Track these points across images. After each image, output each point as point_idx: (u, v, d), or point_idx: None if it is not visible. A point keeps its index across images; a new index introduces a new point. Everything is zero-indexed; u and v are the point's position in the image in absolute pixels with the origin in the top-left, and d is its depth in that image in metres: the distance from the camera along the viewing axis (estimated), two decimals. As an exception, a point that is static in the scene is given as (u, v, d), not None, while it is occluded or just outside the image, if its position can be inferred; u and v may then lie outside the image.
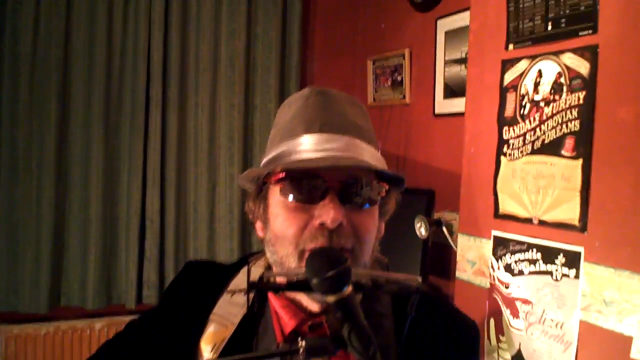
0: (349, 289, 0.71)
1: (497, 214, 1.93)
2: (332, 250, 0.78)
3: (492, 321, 1.94)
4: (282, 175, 0.87)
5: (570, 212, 1.66)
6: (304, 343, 0.71)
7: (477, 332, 1.03)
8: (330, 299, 0.70)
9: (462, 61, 2.57)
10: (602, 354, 1.57)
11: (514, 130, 1.86)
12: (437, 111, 2.77)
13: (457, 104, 2.57)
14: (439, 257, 2.56)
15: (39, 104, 2.76)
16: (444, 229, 2.35)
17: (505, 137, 1.89)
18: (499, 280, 1.91)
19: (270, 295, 0.96)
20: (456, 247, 2.23)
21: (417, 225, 2.28)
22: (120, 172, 2.94)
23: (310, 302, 0.92)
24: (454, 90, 2.65)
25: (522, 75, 1.83)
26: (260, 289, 0.85)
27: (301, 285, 0.80)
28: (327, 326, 0.91)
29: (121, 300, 2.98)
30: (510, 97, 1.87)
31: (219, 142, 3.09)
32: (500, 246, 1.90)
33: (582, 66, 1.63)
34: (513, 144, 1.86)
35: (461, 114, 2.45)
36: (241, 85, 3.10)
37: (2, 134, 2.71)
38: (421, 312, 0.93)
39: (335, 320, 0.90)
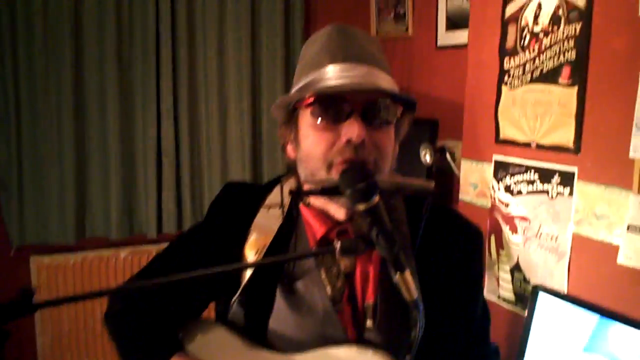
0: (376, 198, 0.86)
1: (497, 140, 2.07)
2: (362, 166, 0.93)
3: (492, 237, 2.13)
4: (312, 99, 1.00)
5: (566, 136, 1.81)
6: (339, 244, 0.87)
7: (481, 236, 1.19)
8: (361, 207, 0.86)
9: (464, -7, 2.65)
10: (592, 262, 1.76)
11: (514, 60, 1.98)
12: (439, 43, 2.86)
13: (459, 36, 2.67)
14: (442, 182, 2.72)
15: (54, 42, 2.83)
16: (448, 155, 2.50)
17: (506, 67, 2.01)
18: (499, 200, 2.08)
19: (302, 208, 1.12)
20: (459, 172, 2.39)
21: (422, 153, 2.43)
22: (135, 108, 3.05)
23: (337, 211, 1.07)
24: (456, 22, 2.73)
25: (522, 8, 1.93)
26: (297, 196, 1.01)
27: (332, 190, 0.95)
28: (351, 232, 1.07)
29: (142, 230, 3.16)
30: (511, 29, 1.98)
31: (228, 77, 3.18)
32: (501, 169, 2.06)
33: (580, -2, 1.74)
34: (513, 74, 1.99)
35: (463, 46, 2.55)
36: (247, 20, 3.16)
37: (20, 76, 2.80)
38: (432, 218, 1.10)
39: (360, 227, 1.06)
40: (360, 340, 1.04)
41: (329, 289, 1.05)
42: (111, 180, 3.03)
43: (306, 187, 1.09)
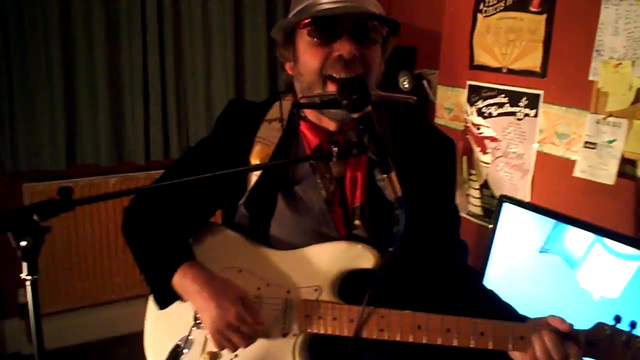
0: (369, 108, 1.00)
1: (472, 66, 2.21)
2: (357, 79, 1.06)
3: (464, 159, 2.29)
4: (308, 20, 1.12)
5: (534, 61, 1.95)
6: (336, 149, 1.01)
7: (454, 146, 1.33)
8: (355, 115, 1.00)
9: None
10: (552, 176, 1.94)
11: (489, -11, 2.08)
12: (418, -28, 2.92)
13: (438, -35, 2.74)
14: (419, 108, 2.86)
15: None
16: (425, 82, 2.62)
17: (481, -5, 2.12)
18: (472, 123, 2.23)
19: (299, 121, 1.25)
20: (434, 98, 2.53)
21: (401, 80, 2.54)
22: (121, 38, 3.09)
23: (329, 123, 1.21)
24: (435, -49, 2.79)
25: (498, -63, 2.02)
26: (297, 108, 1.14)
27: (328, 103, 1.09)
28: (342, 141, 1.21)
29: (131, 157, 3.26)
30: (487, -42, 2.08)
31: (211, 6, 3.22)
32: (474, 94, 2.21)
33: None
34: (488, 2, 2.10)
35: (442, -25, 2.63)
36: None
37: (7, 6, 2.81)
38: (411, 129, 1.25)
39: (349, 137, 1.20)
40: (350, 237, 1.20)
41: (323, 192, 1.20)
42: (100, 108, 3.10)
43: (303, 101, 1.19)
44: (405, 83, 2.55)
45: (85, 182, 3.20)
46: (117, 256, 3.19)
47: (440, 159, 1.28)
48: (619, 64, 1.68)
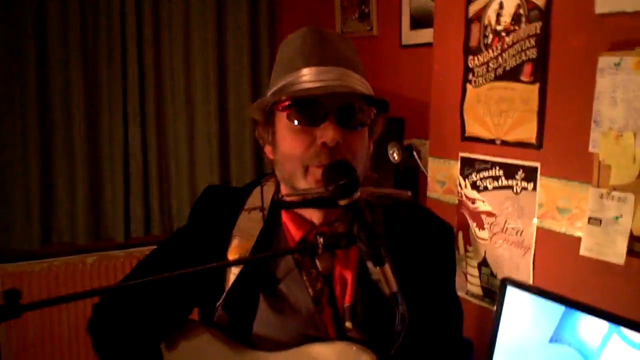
0: (357, 194, 0.88)
1: (463, 137, 2.11)
2: (345, 163, 0.94)
3: (460, 234, 2.17)
4: (287, 102, 1.01)
5: (528, 132, 1.86)
6: (321, 239, 0.88)
7: (452, 234, 1.23)
8: (343, 202, 0.88)
9: (427, -8, 2.68)
10: (555, 255, 1.81)
11: (478, 59, 2.02)
12: (403, 42, 2.89)
13: (423, 35, 2.70)
14: (409, 179, 2.76)
15: (16, 41, 2.78)
16: (415, 153, 2.53)
17: (470, 65, 2.05)
18: (466, 196, 2.12)
19: (282, 211, 1.13)
20: (426, 170, 2.43)
21: (391, 152, 2.45)
22: (101, 109, 3.01)
23: (313, 215, 1.09)
24: (419, 21, 2.77)
25: (485, 7, 1.98)
26: (278, 207, 1.02)
27: (313, 202, 0.97)
28: (329, 233, 1.09)
29: (110, 234, 3.12)
30: (475, 28, 2.02)
31: (195, 79, 3.17)
32: (467, 166, 2.10)
33: (539, -2, 1.78)
34: (477, 72, 2.03)
35: (427, 45, 2.59)
36: (213, 19, 3.15)
37: (-20, 79, 2.74)
38: (405, 216, 1.13)
39: (336, 229, 1.08)
40: (341, 339, 1.06)
41: (310, 290, 1.06)
42: (78, 183, 2.98)
43: (284, 191, 1.11)
44: (394, 155, 2.46)
45: (61, 262, 3.04)
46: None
47: (438, 248, 1.16)
48: (620, 135, 1.59)
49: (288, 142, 1.03)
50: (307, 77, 1.01)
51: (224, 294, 1.09)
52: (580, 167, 1.70)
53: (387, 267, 0.86)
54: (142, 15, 3.00)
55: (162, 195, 3.18)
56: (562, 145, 1.77)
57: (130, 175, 3.09)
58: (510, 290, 1.66)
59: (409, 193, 1.02)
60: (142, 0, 3.00)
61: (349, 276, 1.09)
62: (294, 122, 1.02)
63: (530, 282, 1.86)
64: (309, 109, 1.00)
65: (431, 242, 1.15)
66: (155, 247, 1.24)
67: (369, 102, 1.06)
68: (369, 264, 1.01)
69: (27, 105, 2.83)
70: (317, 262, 1.08)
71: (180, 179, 3.21)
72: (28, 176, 2.87)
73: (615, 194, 1.60)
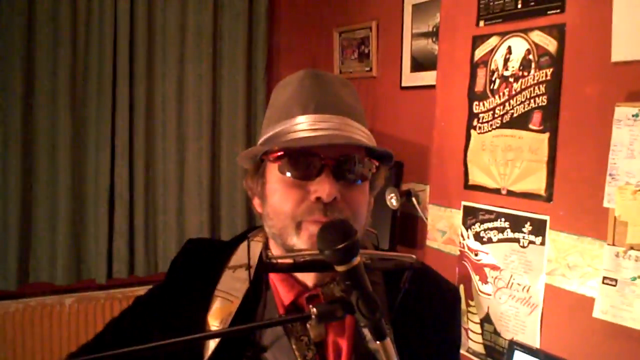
0: (357, 259, 0.75)
1: (466, 185, 2.01)
2: (343, 223, 0.81)
3: (461, 287, 2.04)
4: (280, 153, 0.91)
5: (537, 183, 1.76)
6: (315, 310, 0.76)
7: (459, 298, 1.11)
8: (341, 268, 0.75)
9: (429, 35, 2.62)
10: (566, 315, 1.68)
11: (483, 104, 1.93)
12: (403, 84, 2.82)
13: (424, 77, 2.63)
14: (407, 226, 2.65)
15: (3, 75, 2.68)
16: (413, 199, 2.42)
17: (475, 111, 1.96)
18: (468, 248, 2.00)
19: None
20: (425, 216, 2.32)
21: (389, 197, 2.35)
22: (87, 145, 2.89)
23: (305, 276, 0.97)
24: (421, 63, 2.70)
25: (492, 52, 1.90)
26: (265, 270, 0.90)
27: (305, 266, 0.85)
28: (322, 298, 0.97)
29: (91, 275, 2.96)
30: (481, 73, 1.94)
31: (187, 115, 3.07)
32: (470, 216, 1.99)
33: (550, 44, 1.71)
34: (483, 118, 1.94)
35: (428, 87, 2.51)
36: (208, 56, 3.07)
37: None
38: (410, 282, 1.00)
39: (332, 292, 0.96)
40: None
41: None
42: (59, 221, 2.84)
43: (274, 249, 1.00)
44: (392, 200, 2.35)
45: (37, 302, 2.88)
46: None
47: (442, 315, 1.04)
48: (638, 190, 1.48)
49: (279, 196, 0.92)
50: (303, 125, 0.91)
51: None
52: (594, 222, 1.60)
53: (388, 341, 0.75)
54: (135, 47, 2.92)
55: (147, 236, 3.04)
56: (573, 199, 1.66)
57: (115, 213, 2.96)
58: (518, 355, 1.53)
59: (413, 257, 0.90)
60: (135, 31, 2.91)
61: (344, 345, 0.97)
62: (286, 175, 0.91)
63: (537, 343, 1.73)
64: (303, 160, 0.90)
65: (436, 309, 1.03)
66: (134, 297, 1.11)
67: (371, 154, 0.95)
68: (367, 331, 0.90)
69: (10, 136, 2.71)
70: (309, 328, 0.95)
71: (168, 218, 3.08)
72: (6, 211, 2.73)
73: (633, 253, 1.49)
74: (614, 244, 1.54)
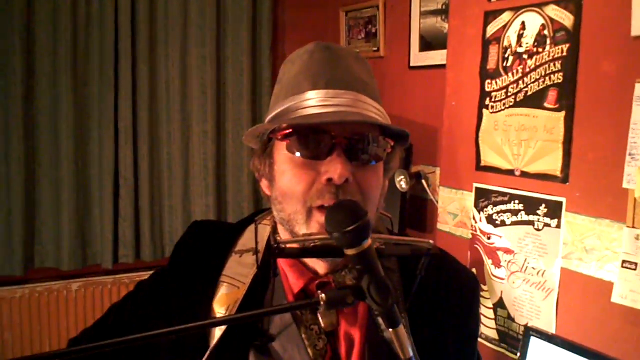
0: (368, 242, 0.70)
1: (478, 167, 1.95)
2: (352, 204, 0.76)
3: (473, 271, 1.99)
4: (288, 131, 0.85)
5: (553, 164, 1.70)
6: (324, 296, 0.71)
7: (478, 287, 1.06)
8: (351, 252, 0.70)
9: (438, 13, 2.55)
10: (583, 299, 1.64)
11: (496, 83, 1.87)
12: (412, 64, 2.75)
13: (433, 57, 2.56)
14: (417, 209, 2.60)
15: (3, 57, 2.63)
16: (423, 182, 2.37)
17: (487, 89, 1.90)
18: (480, 231, 1.95)
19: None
20: (435, 199, 2.26)
21: (398, 179, 2.29)
22: (90, 128, 2.85)
23: (316, 263, 0.92)
24: (429, 42, 2.63)
25: (505, 28, 1.83)
26: (273, 255, 0.85)
27: (314, 251, 0.81)
28: (334, 285, 0.92)
29: (97, 260, 2.94)
30: (493, 50, 1.87)
31: (191, 97, 3.02)
32: (482, 198, 1.94)
33: (566, 18, 1.64)
34: (495, 97, 1.87)
35: (437, 67, 2.44)
36: (212, 36, 3.01)
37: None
38: (427, 268, 0.95)
39: (343, 279, 0.92)
40: None
41: (310, 351, 0.89)
42: (63, 206, 2.81)
43: (282, 234, 0.94)
44: (402, 183, 2.29)
45: (44, 288, 2.86)
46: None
47: (460, 305, 0.99)
48: (659, 170, 1.43)
49: (288, 178, 0.86)
50: (314, 101, 0.85)
51: (208, 352, 0.91)
52: (613, 204, 1.54)
53: (401, 329, 0.70)
54: (137, 28, 2.85)
55: (153, 220, 3.01)
56: (591, 180, 1.60)
57: (120, 197, 2.92)
58: (535, 342, 1.49)
59: (431, 242, 0.85)
60: (137, 12, 2.85)
61: (356, 334, 0.92)
62: (295, 154, 0.85)
63: (553, 328, 1.69)
64: (313, 139, 0.84)
65: (454, 298, 0.98)
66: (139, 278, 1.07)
67: (386, 133, 0.89)
68: (382, 320, 0.85)
69: (11, 122, 2.67)
70: (320, 317, 0.91)
71: (173, 202, 3.04)
72: (10, 198, 2.70)
73: (654, 235, 1.44)
74: (634, 227, 1.49)
